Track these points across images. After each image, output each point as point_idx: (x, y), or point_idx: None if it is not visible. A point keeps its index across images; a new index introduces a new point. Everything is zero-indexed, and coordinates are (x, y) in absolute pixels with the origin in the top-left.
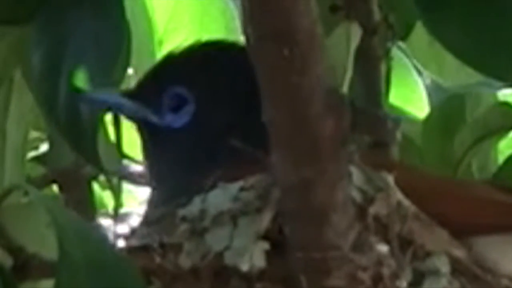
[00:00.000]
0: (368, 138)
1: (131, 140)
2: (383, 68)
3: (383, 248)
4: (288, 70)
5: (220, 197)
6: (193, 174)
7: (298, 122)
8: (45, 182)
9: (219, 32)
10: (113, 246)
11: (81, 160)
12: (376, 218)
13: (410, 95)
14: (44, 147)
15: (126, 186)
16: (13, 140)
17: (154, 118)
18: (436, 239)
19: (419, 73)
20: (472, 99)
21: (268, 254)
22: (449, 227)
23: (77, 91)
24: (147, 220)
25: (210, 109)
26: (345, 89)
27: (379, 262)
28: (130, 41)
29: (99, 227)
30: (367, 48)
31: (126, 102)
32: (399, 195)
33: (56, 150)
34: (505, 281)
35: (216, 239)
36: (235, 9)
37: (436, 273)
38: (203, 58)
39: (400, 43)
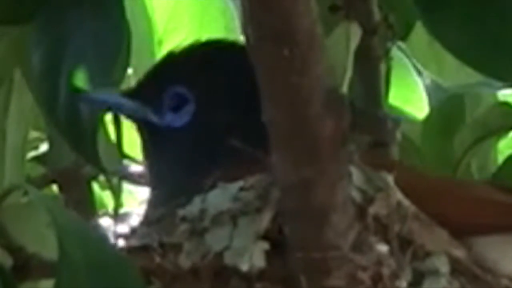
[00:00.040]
0: (368, 138)
1: (131, 140)
2: (383, 68)
3: (383, 248)
4: (288, 70)
5: (220, 197)
6: (193, 174)
7: (298, 122)
8: (45, 182)
9: (219, 32)
10: (113, 246)
11: (81, 160)
12: (376, 218)
13: (410, 95)
14: (44, 147)
15: (126, 186)
16: (13, 140)
17: (154, 118)
18: (436, 239)
19: (419, 73)
20: (472, 99)
21: (268, 254)
22: (449, 227)
23: (77, 91)
24: (147, 220)
25: (210, 108)
26: (344, 89)
27: (379, 262)
28: (130, 41)
29: (99, 227)
30: (367, 48)
31: (126, 102)
32: (399, 195)
33: (56, 150)
34: (505, 281)
35: (216, 239)
36: (234, 9)
37: (435, 273)
38: (203, 57)
39: (400, 43)
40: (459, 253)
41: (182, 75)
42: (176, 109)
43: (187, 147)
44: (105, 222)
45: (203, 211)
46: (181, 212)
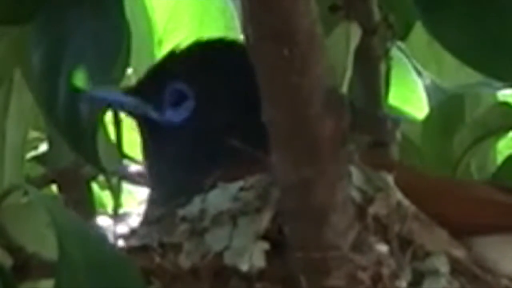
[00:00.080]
0: (368, 138)
1: (131, 140)
2: (382, 68)
3: (382, 248)
4: (288, 70)
5: (219, 197)
6: (193, 174)
7: (298, 122)
8: (44, 182)
9: (219, 32)
10: (113, 246)
11: (81, 160)
12: (376, 218)
13: (409, 95)
14: (43, 147)
15: (126, 186)
16: (13, 140)
17: (153, 114)
18: (435, 239)
19: (419, 73)
20: (472, 99)
21: (268, 254)
22: (448, 227)
23: (77, 90)
24: (146, 220)
25: (210, 107)
26: (344, 89)
27: (379, 262)
28: (130, 41)
29: (98, 227)
30: (366, 48)
31: (126, 98)
32: (398, 195)
33: (56, 150)
34: (504, 281)
35: (215, 239)
36: (234, 9)
37: (435, 273)
38: (204, 55)
39: (399, 43)
40: (459, 253)
41: (182, 72)
42: (175, 105)
43: (187, 146)
44: (105, 222)
45: (203, 211)
46: (181, 212)
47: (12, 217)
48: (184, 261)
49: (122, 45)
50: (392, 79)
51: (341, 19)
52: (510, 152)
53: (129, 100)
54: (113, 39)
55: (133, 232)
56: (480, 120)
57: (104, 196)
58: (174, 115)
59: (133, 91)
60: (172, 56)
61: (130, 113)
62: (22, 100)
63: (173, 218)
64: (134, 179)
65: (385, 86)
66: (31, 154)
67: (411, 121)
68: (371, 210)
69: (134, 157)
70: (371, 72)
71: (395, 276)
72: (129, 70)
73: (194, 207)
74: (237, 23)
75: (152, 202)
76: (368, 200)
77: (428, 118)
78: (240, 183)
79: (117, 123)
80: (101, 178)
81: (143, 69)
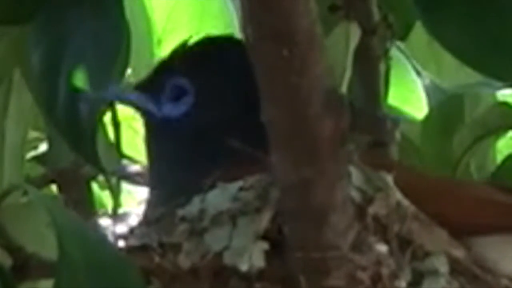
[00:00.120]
0: (367, 138)
1: (130, 140)
2: (382, 68)
3: (382, 248)
4: (288, 70)
5: (219, 197)
6: (192, 174)
7: (298, 122)
8: (44, 182)
9: (218, 32)
10: (113, 246)
11: (80, 160)
12: (375, 218)
13: (409, 95)
14: (43, 147)
15: (125, 186)
16: (12, 140)
17: (152, 107)
18: (435, 239)
19: (418, 73)
20: (471, 99)
21: (267, 254)
22: (448, 227)
23: (77, 90)
24: (146, 220)
25: (210, 103)
26: (344, 89)
27: (378, 262)
28: (130, 40)
29: (98, 227)
30: (366, 48)
31: (126, 92)
32: (398, 195)
33: (55, 150)
34: (504, 281)
35: (215, 239)
36: (234, 9)
37: (435, 273)
38: (207, 52)
39: (398, 43)
40: (458, 253)
41: (183, 68)
42: (175, 100)
43: (186, 145)
44: (104, 222)
45: (202, 211)
46: (180, 212)
47: (12, 217)
48: (184, 261)
49: (122, 45)
50: (392, 79)
51: (340, 19)
52: (509, 151)
53: (129, 93)
54: (113, 39)
55: (132, 232)
56: (479, 120)
57: (104, 196)
58: (173, 110)
59: (139, 86)
60: (176, 52)
61: (137, 109)
62: (21, 100)
63: (173, 218)
64: (134, 179)
65: (385, 86)
66: (31, 154)
67: (411, 121)
68: (371, 210)
69: (133, 157)
70: (370, 72)
71: (394, 276)
72: (128, 70)
73: (193, 207)
74: (236, 23)
75: (151, 202)
76: (368, 200)
77: (428, 118)
78: (240, 183)
79: (116, 123)
80: (100, 178)
81: (142, 69)
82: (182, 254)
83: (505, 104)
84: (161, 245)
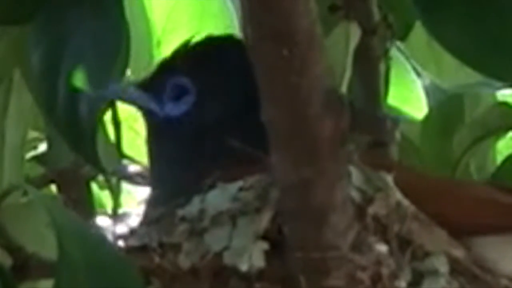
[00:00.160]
0: (367, 138)
1: (130, 140)
2: (382, 68)
3: (382, 248)
4: (287, 70)
5: (219, 197)
6: (192, 174)
7: (297, 122)
8: (44, 182)
9: (218, 32)
10: (113, 246)
11: (80, 160)
12: (375, 218)
13: (408, 95)
14: (43, 147)
15: (125, 186)
16: (12, 140)
17: (153, 106)
18: (435, 239)
19: (417, 73)
20: (471, 99)
21: (267, 254)
22: (448, 227)
23: (76, 91)
24: (146, 220)
25: (211, 103)
26: (344, 89)
27: (378, 262)
28: (129, 41)
29: (98, 227)
30: (366, 48)
31: (128, 90)
32: (398, 195)
33: (55, 150)
34: (504, 281)
35: (215, 239)
36: (234, 9)
37: (435, 273)
38: (209, 51)
39: (398, 43)
40: (458, 253)
41: (185, 67)
42: (176, 99)
43: (187, 144)
44: (104, 222)
45: (202, 211)
46: (180, 212)
47: (12, 217)
48: (184, 261)
49: (122, 45)
50: (392, 79)
51: (340, 19)
52: (509, 152)
53: (131, 92)
54: (113, 39)
55: (132, 232)
56: (479, 120)
57: (104, 196)
58: (174, 109)
59: (140, 85)
60: (178, 52)
61: (138, 108)
62: (21, 100)
63: (173, 218)
64: (134, 179)
65: (385, 86)
66: (31, 154)
67: (411, 121)
68: (371, 210)
69: (133, 157)
70: (370, 72)
71: (394, 276)
72: (128, 71)
73: (193, 207)
74: (236, 23)
75: (151, 202)
76: (368, 200)
77: (428, 118)
78: (240, 183)
79: (117, 123)
80: (100, 178)
81: (142, 69)
82: (182, 254)
83: (505, 104)
84: (161, 245)
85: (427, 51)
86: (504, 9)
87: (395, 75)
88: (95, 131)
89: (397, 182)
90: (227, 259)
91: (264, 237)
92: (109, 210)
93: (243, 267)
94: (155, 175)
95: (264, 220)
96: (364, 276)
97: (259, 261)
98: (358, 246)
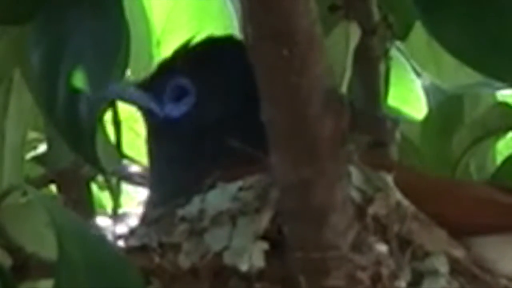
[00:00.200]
0: (367, 138)
1: (130, 141)
2: (382, 68)
3: (382, 248)
4: (287, 70)
5: (219, 197)
6: (192, 174)
7: (297, 122)
8: (43, 182)
9: (218, 33)
10: (112, 246)
11: (80, 161)
12: (375, 218)
13: (408, 95)
14: (42, 147)
15: (125, 187)
16: (12, 140)
17: (153, 106)
18: (435, 239)
19: (417, 74)
20: (471, 99)
21: (267, 254)
22: (448, 227)
23: (76, 91)
24: (146, 220)
25: (212, 103)
26: (344, 89)
27: (378, 262)
28: (129, 41)
29: (97, 227)
30: (366, 48)
31: (128, 90)
32: (398, 195)
33: (55, 150)
34: (504, 281)
35: (215, 239)
36: (234, 9)
37: (435, 273)
38: (209, 52)
39: (398, 43)
40: (458, 253)
41: (185, 68)
42: (176, 100)
43: (187, 144)
44: (104, 222)
45: (202, 211)
46: (180, 212)
47: (12, 217)
48: (184, 261)
49: (122, 45)
50: (391, 79)
51: (340, 19)
52: (509, 152)
53: (135, 94)
54: (113, 39)
55: (132, 232)
56: (479, 120)
57: (104, 197)
58: (174, 110)
59: (140, 86)
60: (178, 52)
61: (140, 108)
62: (21, 100)
63: (172, 218)
64: (133, 179)
65: (385, 86)
66: (31, 154)
67: (410, 121)
68: (371, 210)
69: (133, 158)
70: (370, 72)
71: (394, 276)
72: (128, 71)
73: (193, 207)
74: (235, 24)
75: (151, 202)
76: (368, 200)
77: (427, 118)
78: (240, 183)
79: (117, 123)
80: (100, 178)
81: (142, 69)
82: (182, 254)
83: (505, 104)
84: (161, 245)
85: (427, 51)
86: (504, 9)
87: (395, 75)
88: (95, 131)
89: (397, 182)
90: (227, 259)
91: (264, 237)
92: (109, 210)
93: (243, 267)
94: (155, 175)
95: (264, 220)
96: (364, 276)
97: (259, 261)
98: (358, 246)
